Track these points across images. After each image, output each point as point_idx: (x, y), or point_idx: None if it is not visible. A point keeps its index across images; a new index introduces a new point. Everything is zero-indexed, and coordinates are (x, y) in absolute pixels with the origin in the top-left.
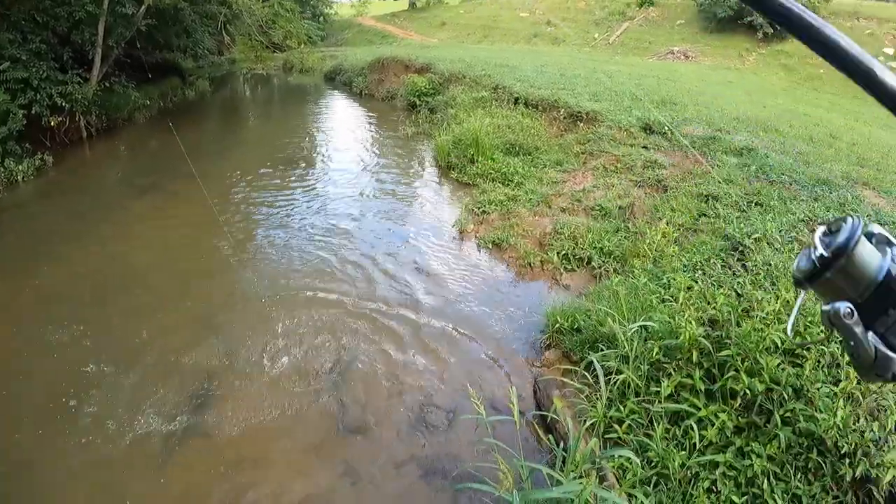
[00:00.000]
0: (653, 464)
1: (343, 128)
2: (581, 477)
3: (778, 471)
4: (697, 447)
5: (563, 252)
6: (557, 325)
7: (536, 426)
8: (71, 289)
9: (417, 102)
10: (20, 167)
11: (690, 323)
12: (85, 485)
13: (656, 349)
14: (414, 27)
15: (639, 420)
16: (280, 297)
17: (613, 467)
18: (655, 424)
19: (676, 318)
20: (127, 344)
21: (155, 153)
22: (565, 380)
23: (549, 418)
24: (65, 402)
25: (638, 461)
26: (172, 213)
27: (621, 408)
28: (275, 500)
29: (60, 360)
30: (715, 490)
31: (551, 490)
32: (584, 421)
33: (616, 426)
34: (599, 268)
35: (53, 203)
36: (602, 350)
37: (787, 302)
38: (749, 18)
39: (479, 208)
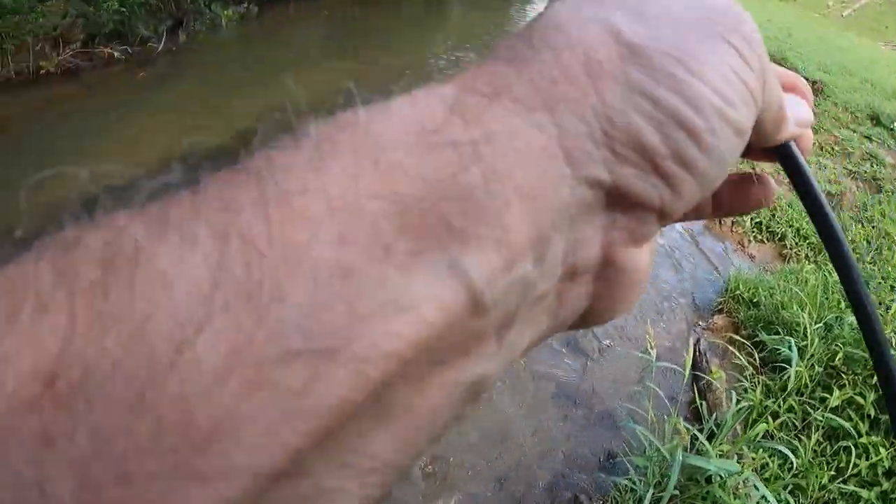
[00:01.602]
0: (793, 471)
1: None
2: (722, 456)
3: None
4: (845, 473)
5: (757, 220)
6: (737, 293)
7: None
8: None
9: None
10: (226, 13)
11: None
12: None
13: (840, 354)
14: None
15: (793, 420)
16: None
17: (756, 459)
18: (811, 431)
19: None
20: None
21: (355, 22)
22: (733, 350)
23: (703, 383)
24: None
25: (793, 461)
26: (363, 78)
27: (780, 401)
28: None
29: None
30: None
31: (709, 462)
32: (738, 401)
33: (769, 418)
34: (790, 248)
35: (251, 49)
36: (778, 334)
37: None
38: None
39: None
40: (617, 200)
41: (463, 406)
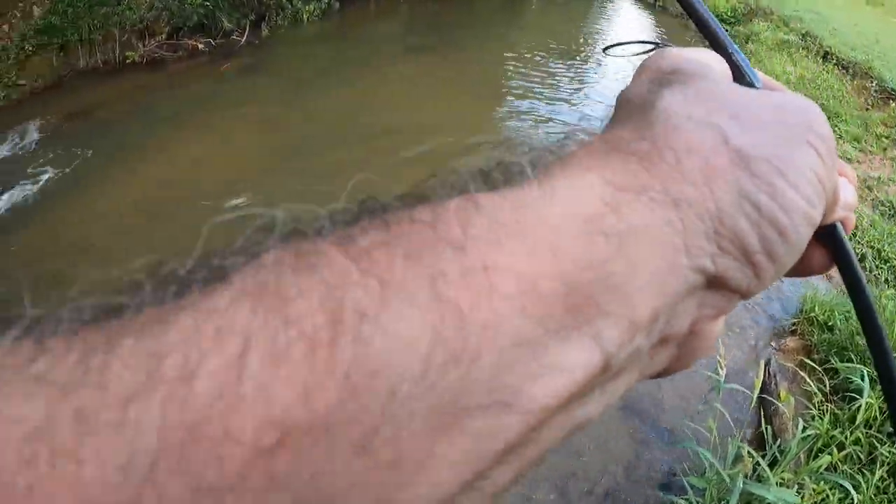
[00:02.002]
0: None
1: (631, 36)
2: (783, 484)
3: None
4: None
5: None
6: (812, 315)
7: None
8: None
9: None
10: (307, 7)
11: None
12: None
13: None
14: None
15: (858, 453)
16: None
17: (817, 490)
18: (875, 466)
19: None
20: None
21: (434, 17)
22: (803, 374)
23: (771, 407)
24: None
25: (854, 496)
26: (448, 75)
27: (847, 433)
28: None
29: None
30: None
31: (768, 490)
32: (805, 428)
33: (835, 449)
34: (870, 272)
35: (332, 43)
36: (852, 361)
37: None
38: None
39: None
40: (714, 285)
41: (564, 440)
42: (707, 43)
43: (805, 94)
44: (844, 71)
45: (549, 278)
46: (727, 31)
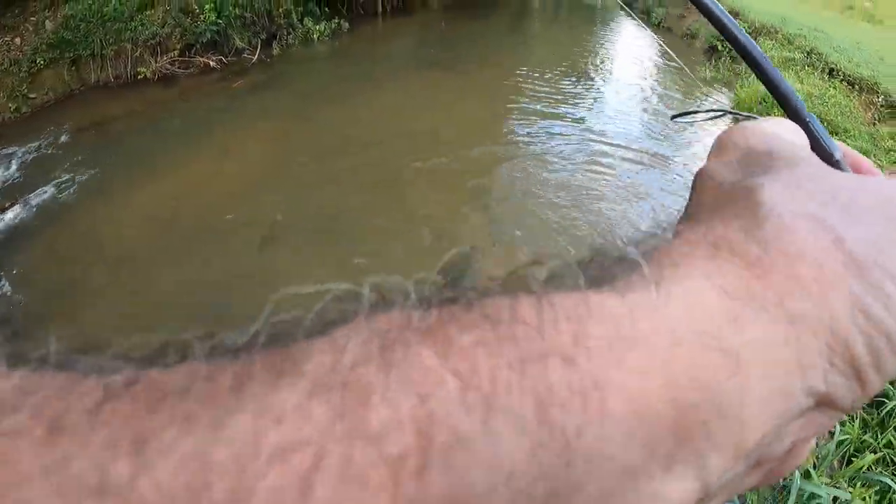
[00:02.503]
0: None
1: (634, 54)
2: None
3: None
4: None
5: None
6: None
7: None
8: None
9: (720, 47)
10: (318, 27)
11: None
12: None
13: None
14: None
15: (891, 456)
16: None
17: (855, 493)
18: None
19: None
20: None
21: (445, 38)
22: None
23: None
24: None
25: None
26: (456, 89)
27: (878, 435)
28: None
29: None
30: None
31: (820, 487)
32: (838, 433)
33: (868, 454)
34: None
35: (342, 62)
36: None
37: None
38: None
39: None
40: (821, 404)
41: None
42: (780, 109)
43: (813, 111)
44: (850, 87)
45: (662, 399)
46: (731, 49)
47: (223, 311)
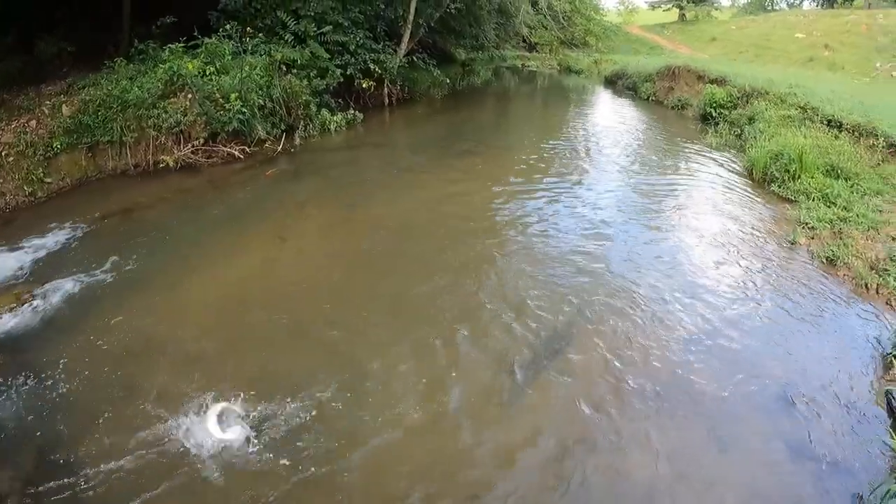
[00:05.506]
0: None
1: (637, 130)
2: None
3: None
4: None
5: None
6: None
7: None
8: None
9: (713, 114)
10: (334, 118)
11: None
12: None
13: None
14: (683, 39)
15: None
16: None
17: None
18: None
19: None
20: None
21: (449, 126)
22: None
23: None
24: None
25: None
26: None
27: None
28: None
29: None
30: None
31: None
32: None
33: None
34: None
35: (358, 151)
36: None
37: None
38: None
39: (807, 224)
40: None
41: None
42: None
43: (828, 160)
44: (850, 133)
45: None
46: (726, 114)
47: None
